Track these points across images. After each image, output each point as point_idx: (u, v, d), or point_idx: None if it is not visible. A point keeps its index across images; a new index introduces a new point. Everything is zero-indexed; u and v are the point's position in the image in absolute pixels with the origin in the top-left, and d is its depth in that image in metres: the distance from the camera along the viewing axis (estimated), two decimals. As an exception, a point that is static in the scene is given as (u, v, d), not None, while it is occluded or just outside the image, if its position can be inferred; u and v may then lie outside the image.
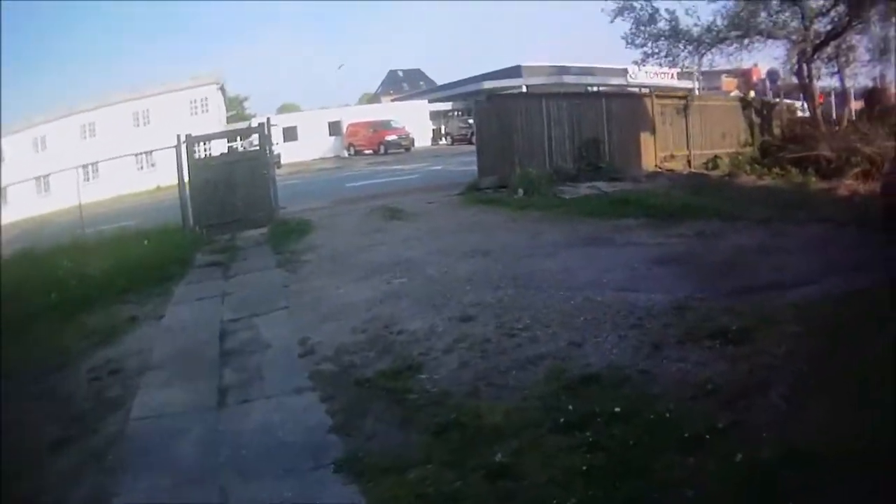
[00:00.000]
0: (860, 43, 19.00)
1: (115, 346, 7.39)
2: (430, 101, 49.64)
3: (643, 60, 19.87)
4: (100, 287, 9.63)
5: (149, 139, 32.31)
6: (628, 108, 17.50)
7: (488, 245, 9.87)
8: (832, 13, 18.32)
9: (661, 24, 18.90)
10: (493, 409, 4.57)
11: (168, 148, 14.10)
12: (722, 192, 13.92)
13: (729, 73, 34.94)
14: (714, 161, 17.99)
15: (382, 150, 38.36)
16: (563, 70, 44.03)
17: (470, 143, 37.46)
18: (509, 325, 6.20)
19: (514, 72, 44.81)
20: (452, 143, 42.63)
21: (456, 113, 48.01)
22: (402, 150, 37.99)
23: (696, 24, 18.83)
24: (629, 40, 19.14)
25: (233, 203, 13.48)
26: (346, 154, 41.47)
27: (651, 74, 39.84)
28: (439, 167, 24.56)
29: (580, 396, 4.57)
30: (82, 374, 6.69)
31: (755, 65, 22.62)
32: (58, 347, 7.49)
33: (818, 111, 20.08)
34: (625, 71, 41.99)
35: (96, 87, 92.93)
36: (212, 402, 5.57)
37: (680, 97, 19.79)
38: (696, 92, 30.85)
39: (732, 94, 31.01)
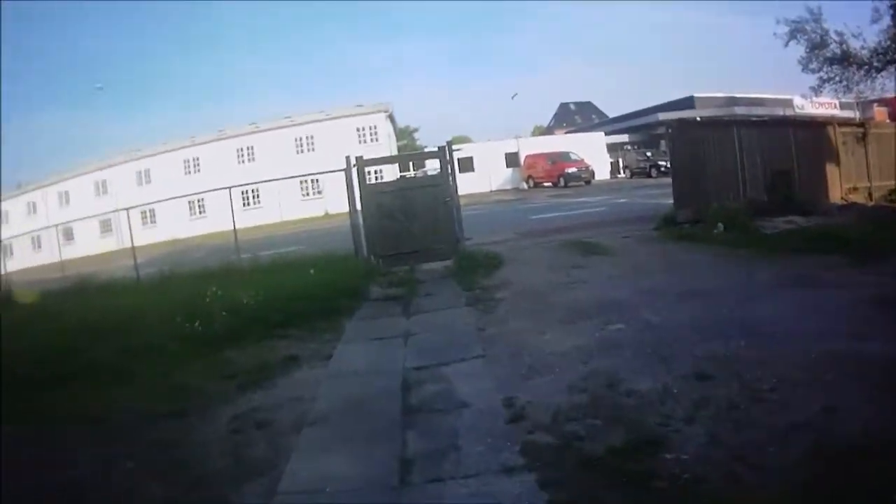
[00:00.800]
0: None
1: (267, 392, 6.27)
2: (606, 134, 48.87)
3: (819, 87, 19.54)
4: (254, 318, 8.58)
5: (313, 166, 32.27)
6: (813, 137, 16.28)
7: (700, 286, 8.75)
8: None
9: (832, 47, 18.77)
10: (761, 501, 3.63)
11: (337, 171, 12.99)
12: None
13: (880, 101, 34.07)
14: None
15: (562, 183, 37.61)
16: (733, 101, 43.51)
17: (649, 176, 38.35)
18: (753, 385, 5.13)
19: (687, 103, 44.78)
20: (631, 177, 42.07)
21: (632, 146, 47.68)
22: (582, 183, 37.03)
23: (862, 47, 18.69)
24: (804, 65, 19.17)
25: (411, 232, 12.30)
26: (524, 186, 41.12)
27: (815, 105, 39.77)
28: (623, 200, 23.46)
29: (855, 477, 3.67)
30: (219, 423, 5.58)
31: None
32: (191, 387, 6.53)
33: None
34: (790, 101, 42.61)
35: (253, 114, 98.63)
36: (390, 479, 4.26)
37: (858, 125, 18.59)
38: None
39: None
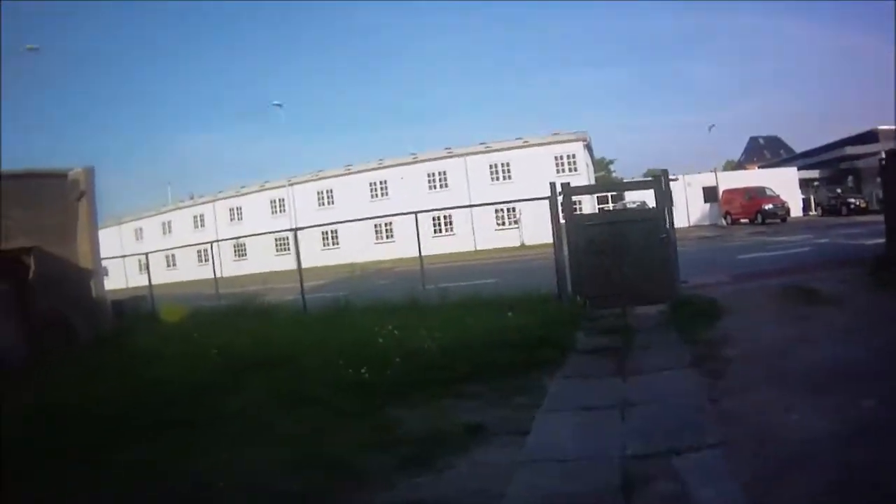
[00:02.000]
0: None
1: (437, 476, 4.86)
2: (798, 169, 45.82)
3: None
4: (434, 366, 7.39)
5: (507, 195, 31.58)
6: None
7: None
8: None
9: None
10: None
11: (540, 199, 11.79)
12: None
13: None
14: None
15: (759, 220, 36.03)
16: None
17: (839, 214, 36.57)
18: None
19: (870, 137, 42.42)
20: (822, 214, 39.56)
21: (821, 182, 45.42)
22: (778, 221, 35.40)
23: None
24: None
25: (622, 271, 10.81)
26: (722, 222, 39.36)
27: None
28: (825, 240, 21.24)
29: None
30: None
31: None
32: (337, 455, 5.35)
33: None
34: None
35: (447, 140, 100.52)
36: None
37: None
38: None
39: None
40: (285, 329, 10.89)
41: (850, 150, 40.81)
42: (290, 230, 16.15)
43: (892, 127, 40.94)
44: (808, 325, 8.49)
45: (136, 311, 16.05)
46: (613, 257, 10.84)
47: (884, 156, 14.05)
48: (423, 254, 14.17)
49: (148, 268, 17.63)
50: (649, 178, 11.75)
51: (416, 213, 13.87)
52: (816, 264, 14.19)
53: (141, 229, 58.33)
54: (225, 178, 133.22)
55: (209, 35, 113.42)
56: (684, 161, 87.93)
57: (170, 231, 55.55)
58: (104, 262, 14.64)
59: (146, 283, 18.02)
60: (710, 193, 41.98)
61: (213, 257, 19.78)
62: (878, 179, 35.20)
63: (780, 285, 11.38)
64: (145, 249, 45.56)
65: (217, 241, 19.39)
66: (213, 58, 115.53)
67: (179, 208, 56.96)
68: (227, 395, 7.14)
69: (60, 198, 13.24)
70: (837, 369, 6.41)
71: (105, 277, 14.56)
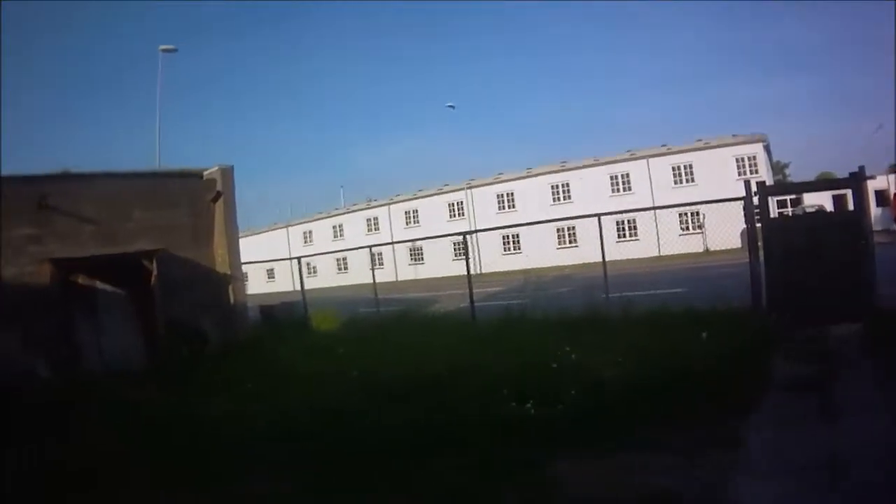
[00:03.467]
0: None
1: None
2: None
3: None
4: (612, 404, 6.13)
5: (690, 197, 29.61)
6: None
7: None
8: None
9: None
10: None
11: (734, 200, 10.50)
12: None
13: None
14: None
15: None
16: None
17: None
18: None
19: None
20: None
21: None
22: None
23: None
24: None
25: (816, 283, 9.36)
26: (894, 227, 35.03)
27: None
28: None
29: None
30: None
31: None
32: None
33: None
34: None
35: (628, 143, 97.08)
36: None
37: None
38: None
39: None
40: (446, 344, 10.07)
41: None
42: (460, 234, 15.35)
43: None
44: None
45: (289, 317, 15.28)
46: (808, 267, 9.45)
47: None
48: (606, 259, 13.11)
49: (301, 272, 17.04)
50: (846, 177, 10.04)
51: (598, 215, 12.80)
52: None
53: (311, 232, 60.70)
54: (403, 181, 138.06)
55: (394, 38, 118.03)
56: (852, 165, 78.66)
57: (341, 234, 57.15)
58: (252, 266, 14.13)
59: (315, 285, 17.71)
60: (881, 197, 37.42)
61: (372, 261, 19.59)
62: None
63: None
64: (313, 251, 50.08)
65: (369, 246, 19.00)
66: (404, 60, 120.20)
67: (352, 211, 58.43)
68: (351, 431, 6.21)
69: (195, 199, 12.94)
70: None
71: (245, 282, 14.09)
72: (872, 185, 37.40)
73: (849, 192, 9.99)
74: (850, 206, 10.07)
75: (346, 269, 45.31)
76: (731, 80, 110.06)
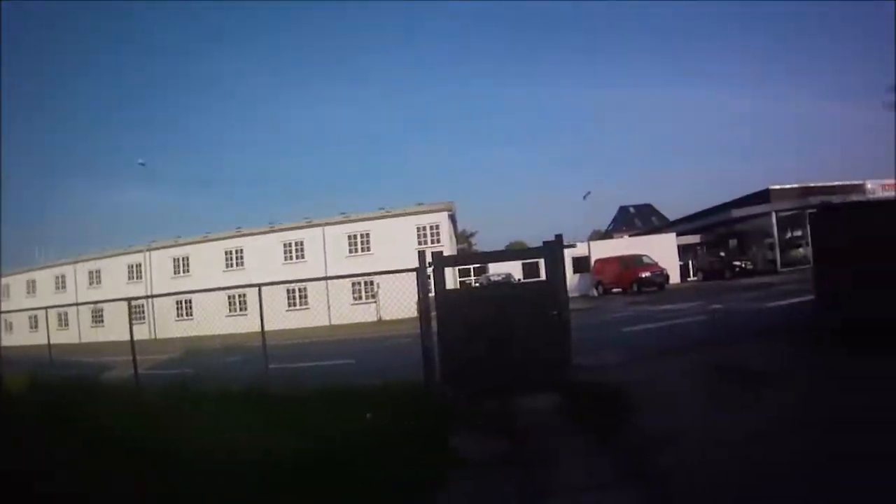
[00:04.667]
0: None
1: None
2: (677, 235, 46.25)
3: None
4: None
5: (367, 267, 29.92)
6: None
7: None
8: None
9: None
10: None
11: (406, 271, 9.93)
12: None
13: None
14: None
15: (634, 289, 35.37)
16: (808, 191, 40.88)
17: (723, 277, 36.69)
18: None
19: (762, 197, 43.21)
20: (704, 279, 39.76)
21: (702, 246, 45.84)
22: (655, 289, 34.68)
23: None
24: None
25: (506, 355, 9.10)
26: (594, 293, 39.07)
27: (887, 187, 41.89)
28: (718, 305, 19.75)
29: None
30: None
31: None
32: None
33: None
34: (862, 186, 42.21)
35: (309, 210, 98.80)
36: None
37: None
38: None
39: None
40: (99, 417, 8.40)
41: (737, 212, 41.59)
42: (110, 301, 13.69)
43: (784, 186, 43.39)
44: (754, 418, 6.74)
45: None
46: (491, 337, 9.14)
47: (813, 213, 13.44)
48: (276, 328, 12.41)
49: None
50: (538, 247, 10.11)
51: (259, 285, 11.48)
52: (723, 336, 12.53)
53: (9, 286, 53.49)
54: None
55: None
56: (549, 234, 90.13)
57: (34, 291, 51.84)
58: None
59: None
60: (580, 264, 41.76)
61: (47, 321, 16.81)
62: (732, 247, 36.72)
63: (695, 363, 10.00)
64: (8, 308, 42.29)
65: (46, 307, 16.43)
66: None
67: (44, 268, 52.84)
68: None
69: None
70: (841, 481, 4.74)
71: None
72: (572, 253, 40.67)
73: (541, 262, 10.03)
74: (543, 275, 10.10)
75: (35, 327, 38.07)
76: (427, 147, 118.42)
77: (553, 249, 9.80)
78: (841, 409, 6.61)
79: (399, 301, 10.63)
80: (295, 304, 39.24)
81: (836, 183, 42.83)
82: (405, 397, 8.55)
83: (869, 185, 42.91)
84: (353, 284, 38.45)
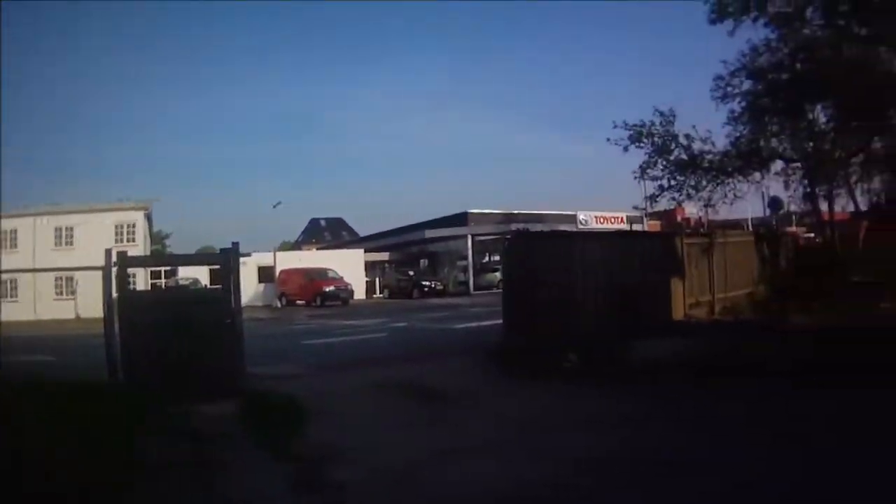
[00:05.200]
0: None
1: None
2: (366, 251, 47.27)
3: (658, 195, 19.06)
4: None
5: (74, 262, 28.53)
6: (659, 250, 14.91)
7: (622, 452, 6.00)
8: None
9: (677, 152, 18.33)
10: None
11: (92, 269, 10.12)
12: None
13: (652, 215, 35.89)
14: (734, 305, 16.28)
15: (317, 302, 35.52)
16: (511, 217, 42.59)
17: (410, 297, 37.59)
18: None
19: (460, 219, 44.50)
20: (390, 297, 40.88)
21: (391, 264, 47.29)
22: (339, 303, 35.31)
23: (709, 152, 18.45)
24: (643, 171, 18.58)
25: (182, 360, 9.07)
26: (277, 304, 38.30)
27: (599, 219, 44.88)
28: (404, 323, 20.90)
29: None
30: None
31: (679, 204, 20.45)
32: None
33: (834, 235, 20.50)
34: (574, 217, 44.52)
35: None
36: None
37: (703, 235, 17.62)
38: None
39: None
40: None
41: (431, 232, 42.08)
42: None
43: (484, 210, 44.66)
44: (436, 434, 7.00)
45: None
46: (173, 341, 9.14)
47: (507, 239, 14.72)
48: None
49: None
50: (219, 253, 10.48)
51: None
52: (407, 353, 13.23)
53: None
54: None
55: None
56: (241, 240, 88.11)
57: None
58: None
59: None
60: (265, 273, 40.71)
61: None
62: (423, 267, 38.04)
63: (378, 379, 10.03)
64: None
65: None
66: None
67: None
68: None
69: None
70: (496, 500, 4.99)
71: None
72: (257, 261, 39.87)
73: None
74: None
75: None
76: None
77: (228, 257, 10.05)
78: (511, 418, 7.56)
79: (97, 299, 10.75)
80: (7, 296, 35.67)
81: (546, 211, 44.56)
82: (93, 391, 8.42)
83: (581, 216, 44.81)
84: (56, 279, 36.18)
